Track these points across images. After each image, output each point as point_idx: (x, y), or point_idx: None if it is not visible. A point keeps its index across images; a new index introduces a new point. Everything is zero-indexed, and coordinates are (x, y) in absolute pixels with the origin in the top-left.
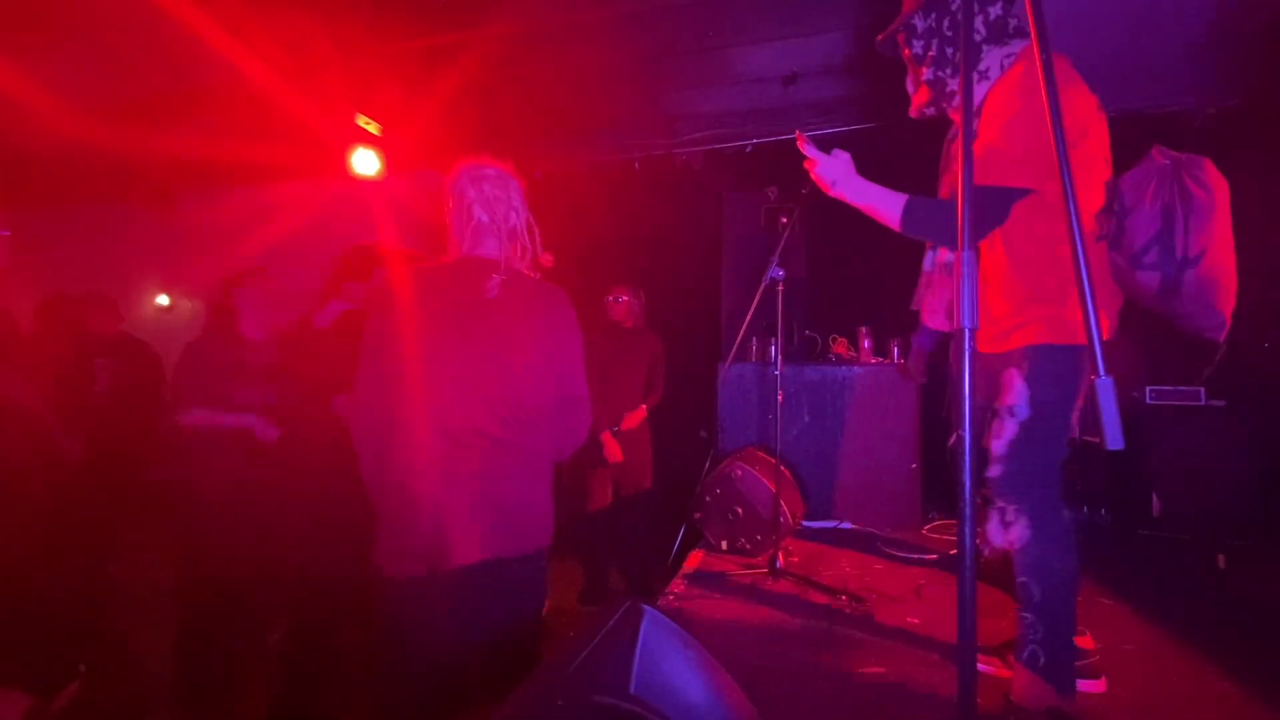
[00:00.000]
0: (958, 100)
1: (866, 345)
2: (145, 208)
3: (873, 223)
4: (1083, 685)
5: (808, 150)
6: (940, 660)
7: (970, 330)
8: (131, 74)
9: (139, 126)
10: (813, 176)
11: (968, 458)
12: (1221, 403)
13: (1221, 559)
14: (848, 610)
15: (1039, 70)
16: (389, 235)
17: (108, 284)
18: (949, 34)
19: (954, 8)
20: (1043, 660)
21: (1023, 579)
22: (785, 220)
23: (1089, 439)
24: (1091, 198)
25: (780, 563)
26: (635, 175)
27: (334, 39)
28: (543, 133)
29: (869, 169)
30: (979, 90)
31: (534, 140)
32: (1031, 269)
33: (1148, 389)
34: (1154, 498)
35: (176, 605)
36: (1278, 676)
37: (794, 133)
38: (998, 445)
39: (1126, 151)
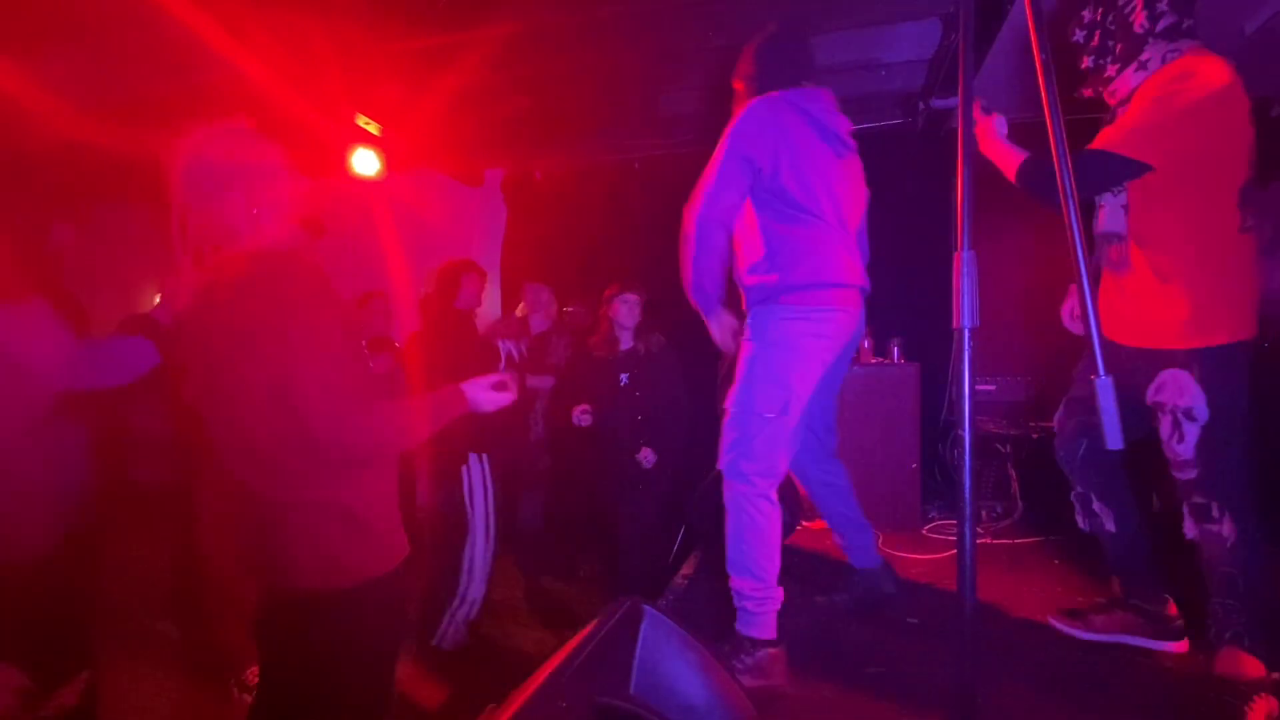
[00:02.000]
0: (1114, 85)
1: (866, 345)
2: (145, 208)
3: (871, 223)
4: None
5: (977, 115)
6: (940, 660)
7: (970, 330)
8: (131, 74)
9: (139, 126)
10: (978, 133)
11: (968, 457)
12: None
13: None
14: (848, 610)
15: (1039, 72)
16: (389, 235)
17: (108, 284)
18: (1111, 28)
19: (1120, 3)
20: (1247, 640)
21: (1228, 569)
22: None
23: None
24: (1227, 195)
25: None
26: (635, 175)
27: (334, 39)
28: (543, 133)
29: (868, 166)
30: (1135, 79)
31: (534, 140)
32: (1194, 268)
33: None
34: (1154, 498)
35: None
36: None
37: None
38: (1184, 450)
39: None
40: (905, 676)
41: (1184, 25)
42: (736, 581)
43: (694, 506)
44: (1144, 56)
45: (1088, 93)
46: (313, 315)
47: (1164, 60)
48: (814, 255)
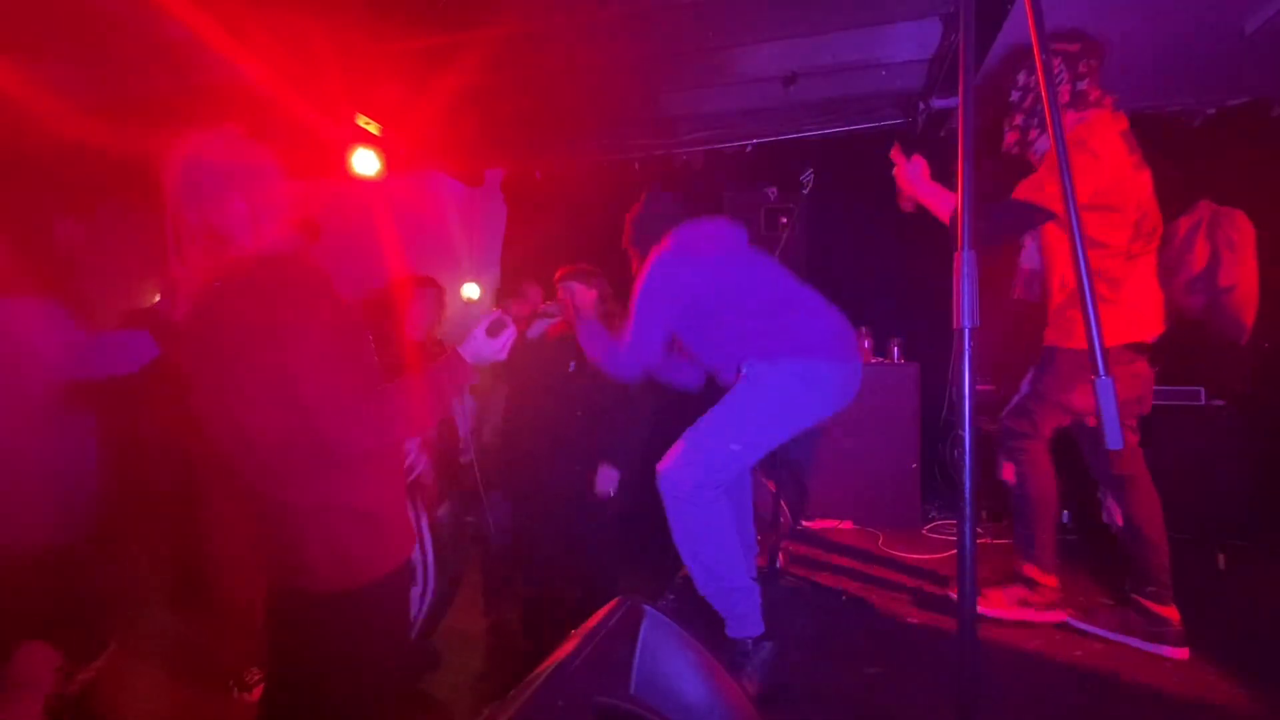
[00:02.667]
0: (1036, 146)
1: (866, 345)
2: (145, 207)
3: (871, 224)
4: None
5: (896, 157)
6: (940, 660)
7: (970, 330)
8: (131, 74)
9: (139, 126)
10: (897, 177)
11: (968, 457)
12: (1221, 403)
13: (1221, 559)
14: (848, 610)
15: (1039, 71)
16: (389, 235)
17: (108, 284)
18: (1040, 92)
19: (1055, 72)
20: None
21: (1016, 509)
22: (785, 220)
23: None
24: (1119, 229)
25: (780, 563)
26: (635, 175)
27: (334, 39)
28: (543, 133)
29: (867, 167)
30: (1042, 143)
31: (534, 140)
32: (1062, 285)
33: None
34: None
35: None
36: (1278, 676)
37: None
38: (1005, 409)
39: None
40: (905, 676)
41: (1092, 98)
42: (710, 594)
43: None
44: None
45: (1016, 152)
46: (314, 315)
47: (1071, 128)
48: (800, 330)
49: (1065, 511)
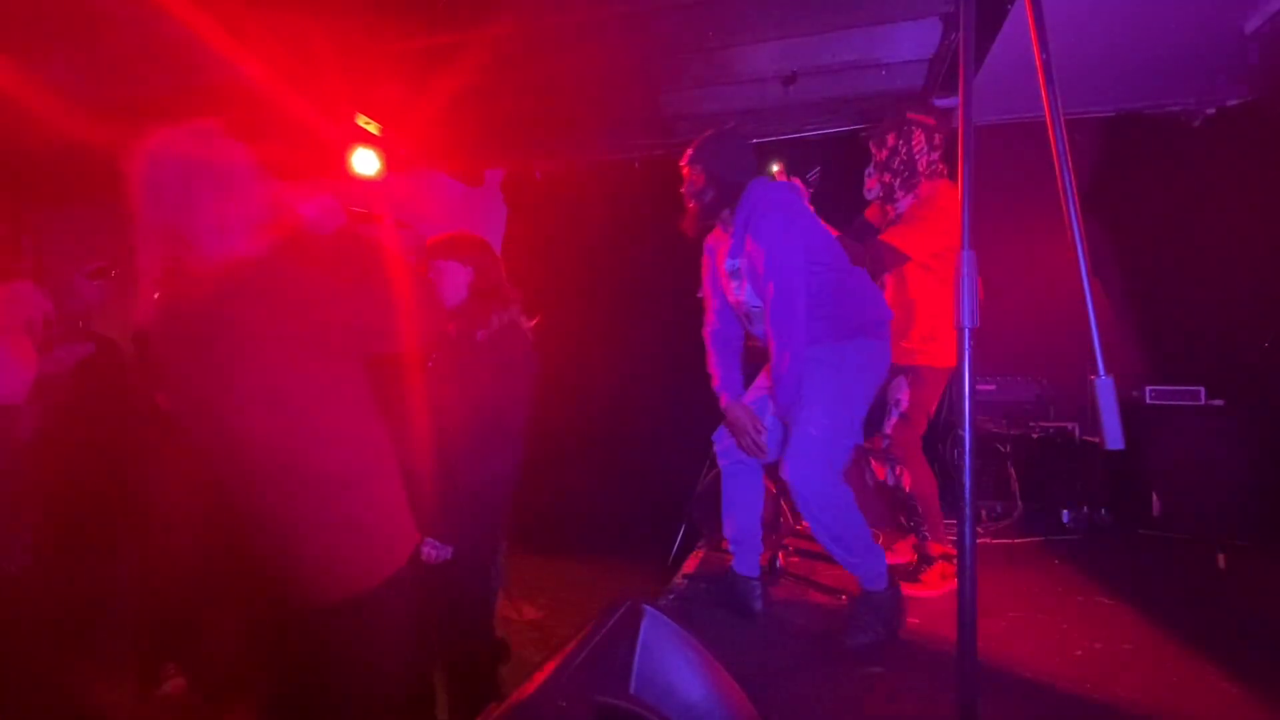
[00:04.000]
0: (899, 204)
1: None
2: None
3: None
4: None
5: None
6: (940, 660)
7: (970, 330)
8: (131, 74)
9: (139, 126)
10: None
11: (968, 457)
12: (1221, 402)
13: (1221, 559)
14: (848, 610)
15: (1039, 71)
16: (389, 234)
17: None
18: (905, 159)
19: (914, 147)
20: (927, 538)
21: (910, 502)
22: None
23: (1089, 439)
24: (947, 268)
25: (780, 563)
26: (635, 175)
27: (334, 39)
28: (543, 133)
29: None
30: (905, 201)
31: (534, 140)
32: (927, 315)
33: (1147, 389)
34: (1154, 498)
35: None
36: (1278, 676)
37: (793, 133)
38: (887, 426)
39: (1126, 152)
40: (905, 675)
41: (938, 170)
42: (855, 562)
43: (696, 506)
44: (919, 189)
45: (876, 202)
46: (298, 323)
47: (928, 192)
48: (874, 299)
49: (1065, 511)
